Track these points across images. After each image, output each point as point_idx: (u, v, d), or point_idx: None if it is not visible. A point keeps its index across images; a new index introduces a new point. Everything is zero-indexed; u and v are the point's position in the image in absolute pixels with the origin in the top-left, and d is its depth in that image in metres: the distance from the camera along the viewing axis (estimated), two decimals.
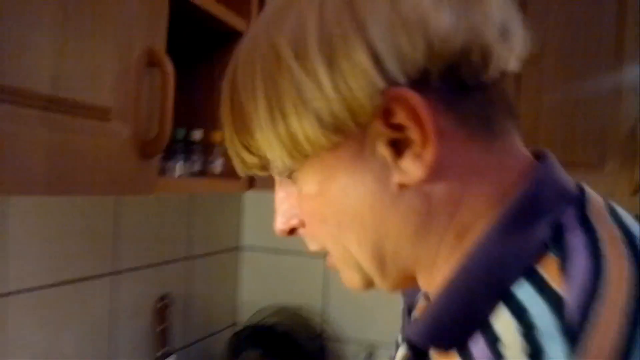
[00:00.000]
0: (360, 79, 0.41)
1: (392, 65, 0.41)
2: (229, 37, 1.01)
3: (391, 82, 0.41)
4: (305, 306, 1.70)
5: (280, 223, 0.52)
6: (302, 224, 0.51)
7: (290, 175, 0.48)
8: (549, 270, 0.39)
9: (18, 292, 0.98)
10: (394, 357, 0.60)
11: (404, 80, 0.41)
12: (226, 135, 0.49)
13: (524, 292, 0.39)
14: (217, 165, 0.97)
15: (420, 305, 0.56)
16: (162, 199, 1.38)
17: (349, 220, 0.46)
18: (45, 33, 0.57)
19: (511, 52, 0.44)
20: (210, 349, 1.65)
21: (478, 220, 0.44)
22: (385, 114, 0.42)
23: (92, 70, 0.63)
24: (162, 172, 0.88)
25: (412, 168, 0.42)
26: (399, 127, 0.42)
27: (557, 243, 0.41)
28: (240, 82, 0.46)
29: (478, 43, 0.42)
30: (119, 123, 0.67)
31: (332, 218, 0.47)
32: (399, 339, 0.63)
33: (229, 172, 1.01)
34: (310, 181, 0.46)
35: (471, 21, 0.42)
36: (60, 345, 1.10)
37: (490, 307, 0.40)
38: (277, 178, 0.51)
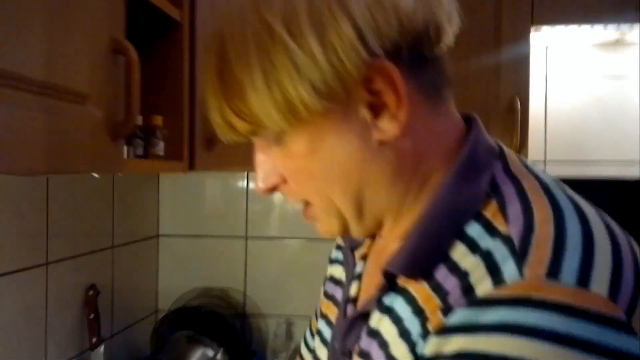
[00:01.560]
0: (349, 52, 0.49)
1: (372, 40, 0.49)
2: (167, 27, 1.07)
3: (372, 54, 0.50)
4: (227, 287, 1.78)
5: (263, 182, 0.59)
6: (283, 182, 0.58)
7: (280, 138, 0.54)
8: (492, 213, 0.51)
9: None
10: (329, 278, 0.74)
11: (381, 52, 0.50)
12: (213, 104, 0.54)
13: (474, 230, 0.51)
14: (159, 148, 1.03)
15: (367, 243, 0.66)
16: (88, 190, 1.40)
17: (336, 174, 0.54)
18: (37, 26, 0.62)
19: (452, 31, 0.56)
20: (136, 336, 1.68)
21: (435, 173, 0.55)
22: (367, 82, 0.51)
23: (70, 58, 0.68)
24: None
25: (388, 127, 0.52)
26: (377, 93, 0.52)
27: (495, 192, 0.52)
28: (233, 55, 0.51)
29: (434, 22, 0.52)
30: (93, 107, 0.73)
31: (320, 173, 0.55)
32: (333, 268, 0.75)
33: (170, 155, 1.07)
34: (300, 142, 0.54)
35: (429, 4, 0.52)
36: None
37: (448, 244, 0.51)
38: (257, 143, 0.58)
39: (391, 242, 0.58)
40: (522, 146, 1.37)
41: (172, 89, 1.10)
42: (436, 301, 0.50)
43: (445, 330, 0.47)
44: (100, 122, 0.75)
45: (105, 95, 0.75)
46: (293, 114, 0.51)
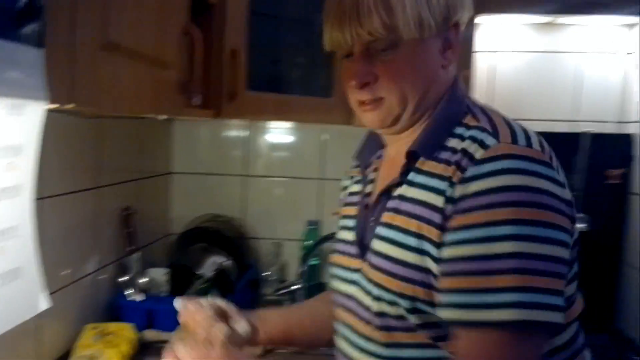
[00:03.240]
0: (452, 13, 0.85)
1: (453, 14, 0.85)
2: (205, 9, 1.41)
3: (454, 18, 0.86)
4: (228, 214, 2.17)
5: (360, 79, 0.84)
6: (375, 80, 0.84)
7: (397, 45, 0.82)
8: (469, 120, 0.84)
9: None
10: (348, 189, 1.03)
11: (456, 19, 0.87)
12: (366, 19, 0.80)
13: (460, 130, 0.83)
14: (197, 100, 1.39)
15: (379, 160, 0.98)
16: (121, 134, 1.76)
17: (420, 77, 0.85)
18: (149, 16, 0.98)
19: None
20: (155, 251, 2.05)
21: (442, 93, 0.88)
22: (452, 30, 0.86)
23: (162, 40, 1.05)
24: None
25: (450, 58, 0.87)
26: (451, 39, 0.86)
27: (469, 111, 0.85)
28: None
29: (462, 6, 0.88)
30: (172, 71, 1.10)
31: (410, 73, 0.84)
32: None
33: (204, 105, 1.43)
34: (408, 51, 0.83)
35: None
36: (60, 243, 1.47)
37: (445, 139, 0.84)
38: (363, 55, 0.84)
39: (404, 147, 0.87)
40: None
41: (205, 55, 1.45)
42: (452, 167, 0.79)
43: (464, 180, 0.76)
44: (175, 82, 1.12)
45: (179, 64, 1.12)
46: (421, 30, 0.82)
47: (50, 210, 1.33)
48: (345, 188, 1.06)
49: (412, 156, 0.86)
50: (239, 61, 1.46)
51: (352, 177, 1.04)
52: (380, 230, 0.85)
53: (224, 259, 1.88)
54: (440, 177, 0.80)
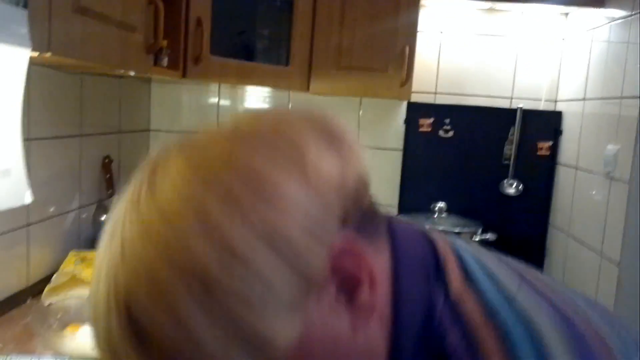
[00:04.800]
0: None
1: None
2: None
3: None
4: None
5: None
6: None
7: None
8: None
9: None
10: None
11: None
12: None
13: None
14: (164, 62, 1.63)
15: None
16: (104, 91, 2.00)
17: None
18: None
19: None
20: None
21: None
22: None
23: (130, 7, 1.29)
24: None
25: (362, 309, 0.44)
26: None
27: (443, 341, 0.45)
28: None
29: (362, 180, 0.46)
30: (139, 34, 1.34)
31: None
32: None
33: (171, 67, 1.67)
34: None
35: (354, 166, 0.45)
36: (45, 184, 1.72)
37: None
38: None
39: None
40: (407, 79, 2.01)
41: (173, 22, 1.68)
42: None
43: None
44: (141, 43, 1.36)
45: (145, 28, 1.36)
46: None
47: (38, 152, 1.57)
48: None
49: None
50: (204, 29, 1.69)
51: None
52: None
53: None
54: None
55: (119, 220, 0.41)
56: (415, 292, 0.47)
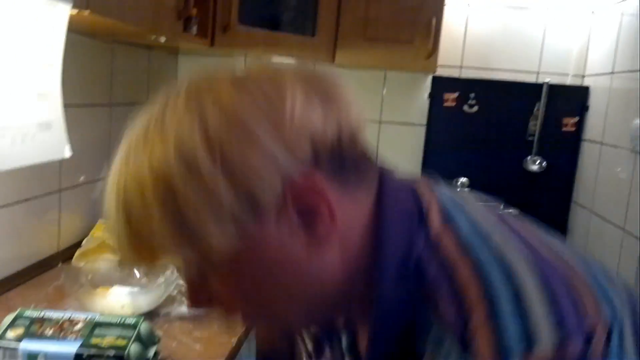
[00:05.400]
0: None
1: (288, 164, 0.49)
2: None
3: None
4: None
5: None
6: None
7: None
8: (434, 312, 0.50)
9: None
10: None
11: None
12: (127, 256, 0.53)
13: (422, 327, 0.51)
14: (193, 30, 1.65)
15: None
16: (133, 62, 2.03)
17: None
18: None
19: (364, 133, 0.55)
20: None
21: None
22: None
23: None
24: None
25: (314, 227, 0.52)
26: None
27: (427, 296, 0.50)
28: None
29: (347, 132, 0.52)
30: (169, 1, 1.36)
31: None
32: None
33: (199, 35, 1.69)
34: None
35: (337, 119, 0.52)
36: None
37: (407, 340, 0.51)
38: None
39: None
40: (433, 51, 2.00)
41: None
42: None
43: None
44: (173, 8, 1.38)
45: None
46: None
47: (69, 119, 1.60)
48: None
49: None
50: None
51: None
52: None
53: None
54: None
55: (131, 137, 0.53)
56: (398, 232, 0.54)
